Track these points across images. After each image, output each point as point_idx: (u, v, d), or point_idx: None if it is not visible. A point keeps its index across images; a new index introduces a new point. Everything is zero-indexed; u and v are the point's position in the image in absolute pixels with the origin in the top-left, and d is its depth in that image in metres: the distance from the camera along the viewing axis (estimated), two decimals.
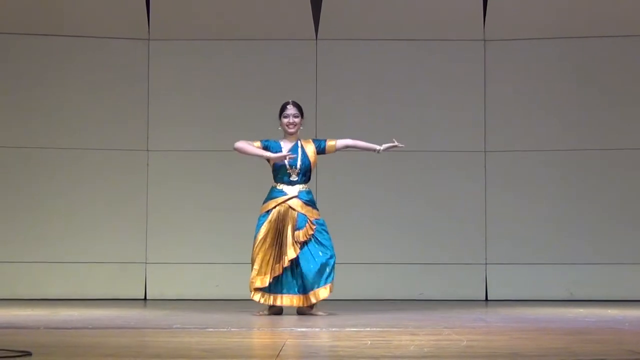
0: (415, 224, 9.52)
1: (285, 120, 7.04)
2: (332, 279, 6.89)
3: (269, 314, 6.90)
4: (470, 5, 9.63)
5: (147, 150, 9.53)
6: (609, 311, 7.46)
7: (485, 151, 9.55)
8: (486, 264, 9.47)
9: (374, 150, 7.06)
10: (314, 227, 6.88)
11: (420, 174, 9.57)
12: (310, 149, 7.03)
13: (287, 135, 7.07)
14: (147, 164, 9.53)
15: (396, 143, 7.02)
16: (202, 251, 9.47)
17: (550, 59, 9.61)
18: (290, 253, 6.82)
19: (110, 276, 9.39)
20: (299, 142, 7.06)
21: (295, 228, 6.86)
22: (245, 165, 8.91)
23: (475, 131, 9.57)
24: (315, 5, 9.58)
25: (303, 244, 6.86)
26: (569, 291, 9.36)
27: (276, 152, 6.97)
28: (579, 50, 9.57)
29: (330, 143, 7.08)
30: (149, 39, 9.59)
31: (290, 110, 7.04)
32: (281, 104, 7.14)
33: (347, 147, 7.15)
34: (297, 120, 7.03)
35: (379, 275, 9.46)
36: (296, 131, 7.06)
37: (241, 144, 7.00)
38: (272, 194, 6.99)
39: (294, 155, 6.94)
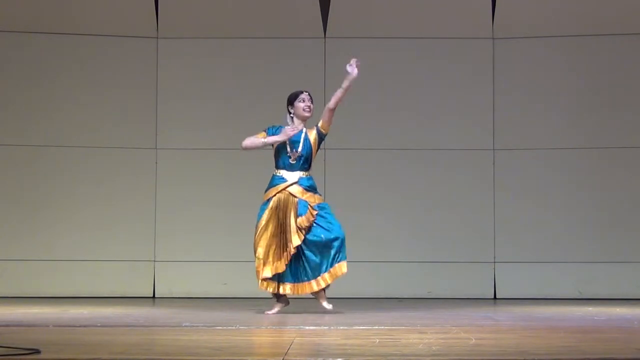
0: (424, 222, 9.51)
1: (302, 105, 7.01)
2: (344, 257, 6.86)
3: (277, 310, 6.91)
4: (479, 3, 9.62)
5: (156, 148, 9.54)
6: (618, 310, 7.44)
7: (494, 149, 9.53)
8: (495, 262, 9.46)
9: (347, 84, 7.02)
10: (315, 212, 6.87)
11: (428, 172, 9.56)
12: (313, 136, 7.02)
13: (298, 121, 7.02)
14: (156, 162, 9.54)
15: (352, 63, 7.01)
16: (210, 249, 9.47)
17: (560, 56, 9.59)
18: (295, 240, 6.81)
19: (119, 274, 9.40)
20: (304, 129, 7.05)
21: (297, 215, 6.86)
22: (253, 164, 8.91)
23: (483, 129, 9.55)
24: (324, 3, 9.58)
25: (307, 230, 6.85)
26: (578, 290, 9.34)
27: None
28: (589, 48, 9.54)
29: (320, 124, 7.03)
30: (157, 37, 9.60)
31: (307, 95, 7.05)
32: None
33: (333, 109, 7.03)
34: (312, 106, 7.05)
35: (387, 273, 9.45)
36: (309, 117, 7.05)
37: (248, 142, 7.03)
38: (273, 181, 6.99)
39: (298, 129, 6.93)
